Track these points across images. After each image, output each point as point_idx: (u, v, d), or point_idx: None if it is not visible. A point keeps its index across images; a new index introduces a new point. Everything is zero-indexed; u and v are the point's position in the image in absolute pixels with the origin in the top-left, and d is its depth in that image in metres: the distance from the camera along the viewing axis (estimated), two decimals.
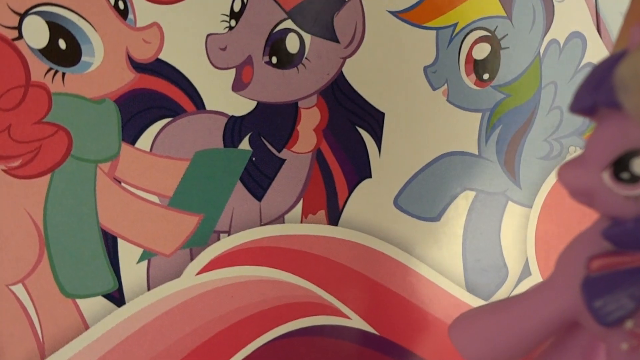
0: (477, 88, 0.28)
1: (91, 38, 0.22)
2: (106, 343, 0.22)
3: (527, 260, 0.29)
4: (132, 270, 0.22)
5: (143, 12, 0.22)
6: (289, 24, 0.24)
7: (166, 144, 0.23)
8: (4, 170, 0.21)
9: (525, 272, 0.29)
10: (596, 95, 0.13)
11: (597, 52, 0.30)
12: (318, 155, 0.25)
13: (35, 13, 0.21)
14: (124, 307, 0.22)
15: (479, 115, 0.28)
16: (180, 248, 0.23)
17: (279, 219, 0.25)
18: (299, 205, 0.25)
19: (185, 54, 0.23)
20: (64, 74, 0.21)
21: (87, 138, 0.22)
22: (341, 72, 0.25)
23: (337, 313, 0.26)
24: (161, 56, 0.23)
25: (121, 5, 0.22)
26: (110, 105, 0.22)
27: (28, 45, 0.21)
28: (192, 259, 0.23)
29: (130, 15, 0.22)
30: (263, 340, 0.24)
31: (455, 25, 0.27)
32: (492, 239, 0.28)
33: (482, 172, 0.28)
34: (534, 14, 0.28)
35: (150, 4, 0.22)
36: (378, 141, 0.26)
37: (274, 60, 0.24)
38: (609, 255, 0.14)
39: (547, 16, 0.29)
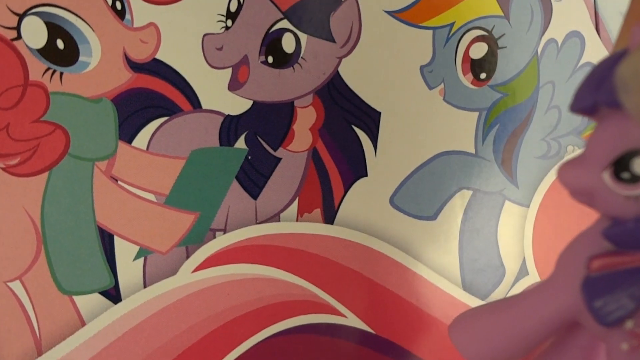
0: (474, 87, 0.28)
1: (89, 38, 0.22)
2: (102, 340, 0.22)
3: (524, 260, 0.29)
4: (128, 267, 0.23)
5: (140, 12, 0.23)
6: (285, 23, 0.24)
7: (163, 143, 0.23)
8: (2, 169, 0.21)
9: (523, 272, 0.29)
10: (597, 94, 0.13)
11: (595, 51, 0.30)
12: (314, 154, 0.25)
13: (33, 14, 0.21)
14: (120, 304, 0.22)
15: (476, 114, 0.28)
16: (176, 246, 0.23)
17: (275, 218, 0.25)
18: (295, 204, 0.25)
19: (182, 54, 0.23)
20: (61, 74, 0.22)
21: (85, 137, 0.22)
22: (337, 72, 0.25)
23: (333, 311, 0.26)
24: (158, 56, 0.23)
25: (118, 5, 0.22)
26: (107, 105, 0.22)
27: (27, 45, 0.21)
28: (188, 257, 0.24)
29: (128, 16, 0.22)
30: (259, 338, 0.24)
31: (452, 24, 0.27)
32: (489, 238, 0.28)
33: (479, 172, 0.28)
34: (532, 14, 0.28)
35: (147, 5, 0.23)
36: (374, 140, 0.26)
37: (270, 59, 0.24)
38: (609, 255, 0.14)
39: (545, 15, 0.29)
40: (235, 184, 0.24)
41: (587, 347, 0.15)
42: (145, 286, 0.23)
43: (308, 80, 0.25)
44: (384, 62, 0.26)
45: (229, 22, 0.24)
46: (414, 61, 0.26)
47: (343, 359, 0.26)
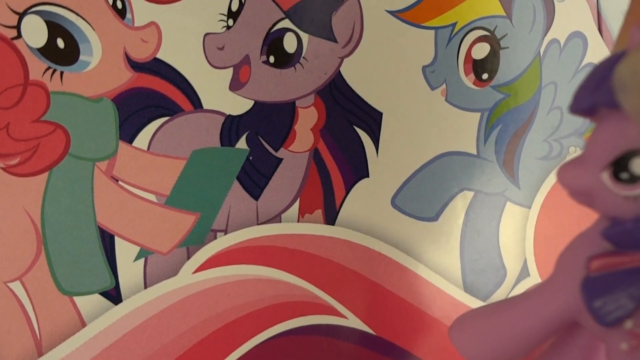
0: (476, 88, 0.27)
1: (89, 37, 0.22)
2: (103, 341, 0.22)
3: (525, 261, 0.29)
4: (129, 268, 0.23)
5: (141, 11, 0.22)
6: (286, 23, 0.24)
7: (163, 143, 0.23)
8: (2, 168, 0.21)
9: (524, 273, 0.29)
10: (596, 95, 0.13)
11: (598, 52, 0.30)
12: (315, 154, 0.25)
13: (34, 12, 0.21)
14: (120, 305, 0.22)
15: (478, 115, 0.28)
16: (177, 246, 0.23)
17: (276, 218, 0.25)
18: (296, 205, 0.25)
19: (183, 53, 0.23)
20: (62, 73, 0.22)
21: (85, 136, 0.22)
22: (339, 72, 0.25)
23: (334, 312, 0.26)
24: (159, 55, 0.23)
25: (119, 4, 0.22)
26: (107, 104, 0.22)
27: (27, 44, 0.21)
28: (188, 258, 0.23)
29: (128, 15, 0.22)
30: (259, 339, 0.24)
31: (454, 24, 0.27)
32: (491, 239, 0.28)
33: (481, 172, 0.28)
34: (534, 14, 0.28)
35: (148, 4, 0.22)
36: (376, 141, 0.26)
37: (272, 59, 0.24)
38: (609, 256, 0.14)
39: (547, 16, 0.29)
40: (237, 185, 0.24)
41: (587, 347, 0.15)
42: (145, 287, 0.23)
43: (309, 80, 0.25)
44: (385, 62, 0.26)
45: (230, 22, 0.24)
46: (416, 61, 0.26)
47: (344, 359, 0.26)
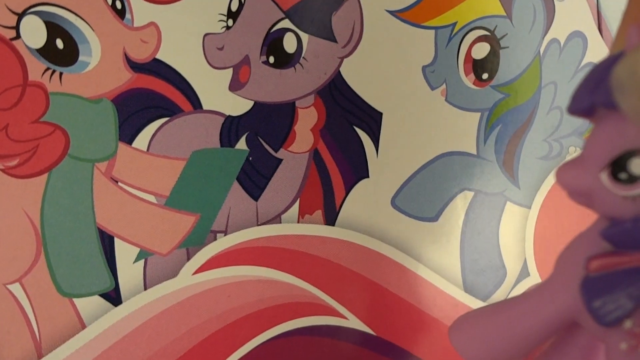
0: (476, 88, 0.27)
1: (88, 38, 0.22)
2: (103, 342, 0.22)
3: (525, 261, 0.29)
4: (128, 269, 0.23)
5: (140, 11, 0.22)
6: (286, 23, 0.24)
7: (163, 144, 0.23)
8: (2, 170, 0.21)
9: (524, 273, 0.29)
10: (594, 96, 0.13)
11: (598, 51, 0.30)
12: (315, 155, 0.25)
13: (33, 13, 0.21)
14: (120, 307, 0.22)
15: (478, 115, 0.28)
16: (176, 248, 0.23)
17: (276, 219, 0.25)
18: (296, 205, 0.25)
19: (183, 54, 0.23)
20: (61, 74, 0.21)
21: (84, 137, 0.22)
22: (339, 72, 0.25)
23: (334, 313, 0.26)
24: (158, 56, 0.23)
25: (118, 5, 0.22)
26: (107, 105, 0.22)
27: (26, 45, 0.21)
28: (188, 259, 0.23)
29: (128, 15, 0.22)
30: (260, 340, 0.24)
31: (454, 24, 0.27)
32: (491, 239, 0.28)
33: (481, 172, 0.28)
34: (535, 14, 0.28)
35: (147, 4, 0.22)
36: (376, 141, 0.26)
37: (271, 59, 0.24)
38: (608, 256, 0.14)
39: (547, 15, 0.29)
40: (236, 185, 0.24)
41: (587, 347, 0.15)
42: (145, 288, 0.23)
43: (309, 80, 0.25)
44: (385, 63, 0.26)
45: (230, 22, 0.24)
46: (416, 61, 0.26)
47: None
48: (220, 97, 0.24)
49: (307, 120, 0.25)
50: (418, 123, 0.27)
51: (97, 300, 0.22)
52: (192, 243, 0.23)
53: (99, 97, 0.22)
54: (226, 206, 0.24)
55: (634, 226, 0.13)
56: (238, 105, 0.24)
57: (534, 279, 0.29)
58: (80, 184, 0.22)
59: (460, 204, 0.28)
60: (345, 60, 0.25)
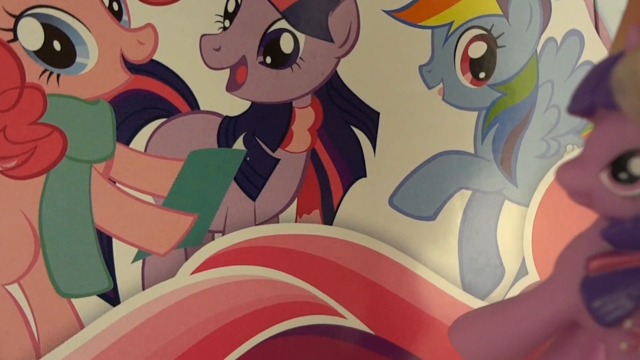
0: (473, 87, 0.27)
1: (86, 39, 0.22)
2: (101, 342, 0.22)
3: (523, 259, 0.29)
4: (126, 269, 0.23)
5: (137, 13, 0.22)
6: (283, 24, 0.24)
7: (161, 144, 0.23)
8: (0, 171, 0.21)
9: (522, 271, 0.29)
10: (594, 96, 0.13)
11: (595, 50, 0.30)
12: (312, 154, 0.25)
13: (30, 15, 0.21)
14: (118, 307, 0.22)
15: (475, 114, 0.28)
16: (174, 248, 0.23)
17: (274, 219, 0.25)
18: (294, 205, 0.25)
19: (180, 55, 0.23)
20: (58, 75, 0.22)
21: (82, 139, 0.22)
22: (336, 72, 0.25)
23: (333, 312, 0.26)
24: (155, 57, 0.23)
25: (115, 6, 0.22)
26: (104, 106, 0.22)
27: (23, 47, 0.21)
28: (186, 259, 0.23)
29: (125, 17, 0.22)
30: (258, 339, 0.24)
31: (451, 24, 0.27)
32: (489, 238, 0.28)
33: (478, 171, 0.28)
34: (531, 12, 0.28)
35: (144, 5, 0.22)
36: (373, 140, 0.26)
37: (268, 60, 0.24)
38: (608, 256, 0.14)
39: (544, 14, 0.29)
40: (234, 185, 0.24)
41: (587, 347, 0.15)
42: (143, 288, 0.23)
43: (306, 80, 0.25)
44: (382, 62, 0.26)
45: (227, 23, 0.24)
46: (413, 61, 0.26)
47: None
48: (218, 97, 0.24)
49: (304, 120, 0.25)
50: (415, 122, 0.27)
51: (96, 301, 0.22)
52: (190, 243, 0.23)
53: (97, 98, 0.22)
54: (224, 206, 0.24)
55: (634, 226, 0.13)
56: (235, 106, 0.24)
57: (532, 277, 0.29)
58: (78, 185, 0.22)
59: (458, 203, 0.28)
60: (342, 60, 0.25)
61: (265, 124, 0.24)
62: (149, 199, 0.23)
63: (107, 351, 0.22)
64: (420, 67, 0.27)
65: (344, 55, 0.25)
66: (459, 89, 0.27)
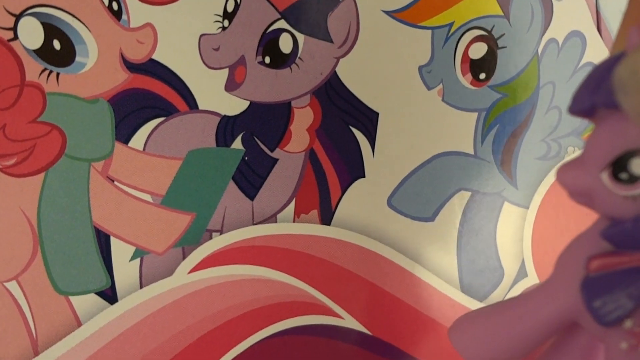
0: (474, 88, 0.27)
1: (85, 39, 0.22)
2: (99, 340, 0.22)
3: (523, 261, 0.29)
4: (124, 268, 0.23)
5: (137, 12, 0.23)
6: (282, 24, 0.24)
7: (159, 143, 0.23)
8: None
9: (522, 273, 0.29)
10: (595, 96, 0.13)
11: (597, 51, 0.30)
12: (311, 155, 0.25)
13: (30, 14, 0.21)
14: (116, 305, 0.23)
15: (475, 115, 0.28)
16: (172, 246, 0.23)
17: (272, 219, 0.25)
18: (292, 205, 0.25)
19: (179, 54, 0.23)
20: (58, 74, 0.22)
21: (81, 137, 0.22)
22: (335, 72, 0.25)
23: (330, 313, 0.26)
24: (154, 56, 0.23)
25: (115, 6, 0.22)
26: (103, 105, 0.22)
27: (23, 46, 0.21)
28: (184, 258, 0.24)
29: (124, 16, 0.22)
30: (255, 339, 0.24)
31: (451, 24, 0.27)
32: (488, 239, 0.28)
33: (478, 173, 0.28)
34: (532, 13, 0.28)
35: (143, 5, 0.23)
36: (372, 141, 0.26)
37: (267, 60, 0.24)
38: (608, 256, 0.14)
39: (545, 15, 0.29)
40: (232, 185, 0.24)
41: (587, 347, 0.15)
42: (141, 287, 0.23)
43: (305, 80, 0.25)
44: (382, 63, 0.26)
45: (226, 23, 0.24)
46: (413, 61, 0.26)
47: None
48: (216, 97, 0.24)
49: (303, 120, 0.25)
50: (414, 123, 0.27)
51: (93, 299, 0.22)
52: (188, 242, 0.24)
53: (96, 97, 0.22)
54: (222, 205, 0.24)
55: (634, 226, 0.13)
56: (234, 105, 0.24)
57: (532, 279, 0.29)
58: (76, 183, 0.22)
59: (457, 204, 0.27)
60: (341, 60, 0.25)
61: (263, 124, 0.24)
62: (147, 197, 0.23)
63: (104, 349, 0.22)
64: (420, 68, 0.26)
65: (343, 56, 0.25)
66: (459, 90, 0.27)
